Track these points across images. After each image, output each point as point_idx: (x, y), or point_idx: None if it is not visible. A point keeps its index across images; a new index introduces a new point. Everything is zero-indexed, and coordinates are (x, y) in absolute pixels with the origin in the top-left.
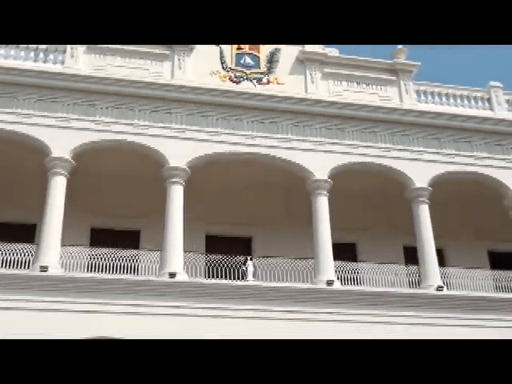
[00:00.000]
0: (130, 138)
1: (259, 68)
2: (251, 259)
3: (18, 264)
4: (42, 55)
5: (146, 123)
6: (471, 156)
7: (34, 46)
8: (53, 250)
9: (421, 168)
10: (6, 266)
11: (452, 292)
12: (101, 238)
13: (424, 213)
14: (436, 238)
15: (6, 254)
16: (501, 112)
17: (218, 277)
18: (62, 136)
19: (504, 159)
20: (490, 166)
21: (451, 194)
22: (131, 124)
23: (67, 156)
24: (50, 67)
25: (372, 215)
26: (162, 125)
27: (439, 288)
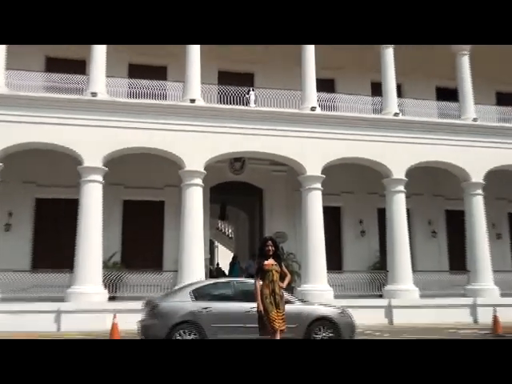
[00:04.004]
0: None
1: None
2: (253, 90)
3: (73, 91)
4: None
5: None
6: None
7: None
8: (100, 80)
9: None
10: (66, 92)
11: (405, 117)
12: (137, 72)
13: (389, 55)
14: (397, 74)
15: (65, 83)
16: None
17: (227, 103)
18: None
19: None
20: None
21: None
22: None
23: None
24: None
25: (349, 56)
26: None
27: (395, 114)
